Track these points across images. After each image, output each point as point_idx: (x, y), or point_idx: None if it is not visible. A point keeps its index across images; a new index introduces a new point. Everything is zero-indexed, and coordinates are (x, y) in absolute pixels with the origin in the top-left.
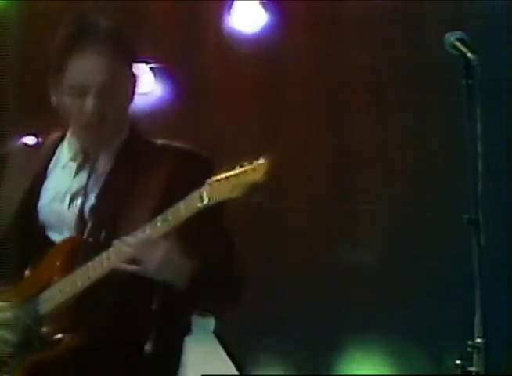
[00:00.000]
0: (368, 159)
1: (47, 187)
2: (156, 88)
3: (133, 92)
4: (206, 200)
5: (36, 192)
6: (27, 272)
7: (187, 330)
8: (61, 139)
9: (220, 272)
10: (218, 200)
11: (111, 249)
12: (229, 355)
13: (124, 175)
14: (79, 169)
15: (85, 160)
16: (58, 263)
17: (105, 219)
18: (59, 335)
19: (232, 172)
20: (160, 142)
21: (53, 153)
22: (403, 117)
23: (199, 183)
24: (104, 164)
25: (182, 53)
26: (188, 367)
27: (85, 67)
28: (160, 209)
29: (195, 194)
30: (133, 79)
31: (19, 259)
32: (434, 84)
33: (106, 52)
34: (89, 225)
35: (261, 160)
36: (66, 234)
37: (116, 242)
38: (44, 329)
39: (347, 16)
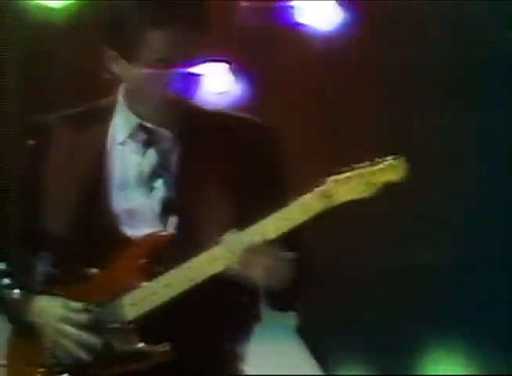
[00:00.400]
0: (439, 158)
1: (111, 169)
2: (233, 88)
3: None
4: (333, 201)
5: (100, 174)
6: (94, 271)
7: (258, 318)
8: (108, 113)
9: (306, 272)
10: (345, 200)
11: (221, 248)
12: (311, 353)
13: (192, 155)
14: (144, 148)
15: (149, 138)
16: (140, 262)
17: (189, 210)
18: (160, 347)
19: (366, 169)
20: (217, 111)
21: (104, 129)
22: (476, 117)
23: (265, 156)
24: (168, 141)
25: (258, 53)
26: (267, 364)
27: (172, 41)
28: (235, 193)
29: (316, 193)
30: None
31: (84, 255)
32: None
33: (188, 25)
34: (172, 216)
35: (396, 159)
36: (143, 226)
37: (229, 240)
38: (132, 337)
39: (424, 15)
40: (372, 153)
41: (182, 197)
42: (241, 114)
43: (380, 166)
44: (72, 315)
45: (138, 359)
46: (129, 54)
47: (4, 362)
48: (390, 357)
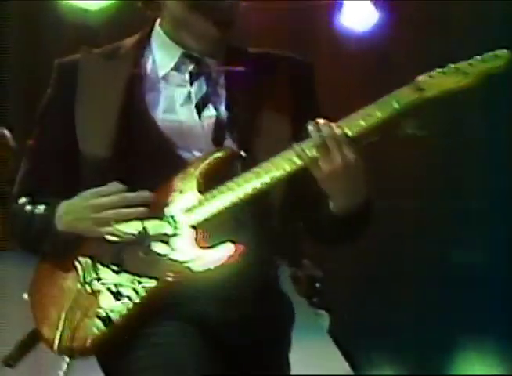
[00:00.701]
0: (479, 156)
1: (153, 99)
2: None
3: None
4: (426, 94)
5: (143, 104)
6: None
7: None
8: (142, 45)
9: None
10: (440, 92)
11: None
12: (343, 354)
13: (243, 87)
14: (193, 77)
15: (198, 67)
16: (199, 175)
17: (244, 132)
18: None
19: (463, 63)
20: (259, 50)
21: (139, 61)
22: None
23: (309, 91)
24: (217, 74)
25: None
26: (299, 365)
27: None
28: (290, 122)
29: (408, 86)
30: None
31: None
32: None
33: None
34: (230, 137)
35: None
36: (195, 148)
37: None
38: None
39: (460, 14)
40: None
41: (236, 120)
42: (280, 51)
43: (478, 57)
44: (105, 199)
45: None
46: None
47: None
48: (422, 357)
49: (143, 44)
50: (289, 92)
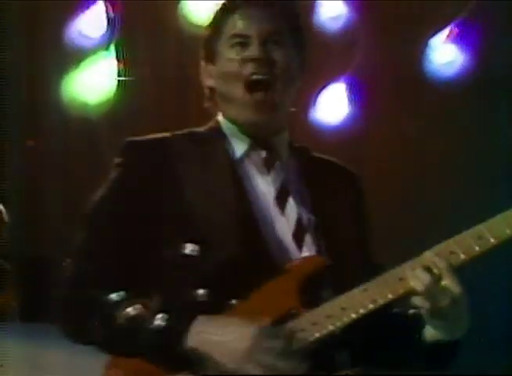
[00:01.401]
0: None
1: (243, 192)
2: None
3: (301, 68)
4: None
5: (239, 195)
6: (235, 302)
7: None
8: (216, 133)
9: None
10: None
11: (406, 270)
12: None
13: (310, 186)
14: (268, 166)
15: (270, 155)
16: (296, 287)
17: (327, 236)
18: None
19: None
20: (322, 156)
21: (222, 148)
22: None
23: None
24: (289, 166)
25: None
26: None
27: (249, 18)
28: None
29: None
30: (299, 50)
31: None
32: None
33: (269, 7)
34: (311, 239)
35: None
36: (282, 248)
37: (427, 257)
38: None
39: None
40: None
41: (319, 219)
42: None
43: None
44: (265, 342)
45: None
46: (211, 53)
47: None
48: None
49: (217, 131)
50: (352, 201)
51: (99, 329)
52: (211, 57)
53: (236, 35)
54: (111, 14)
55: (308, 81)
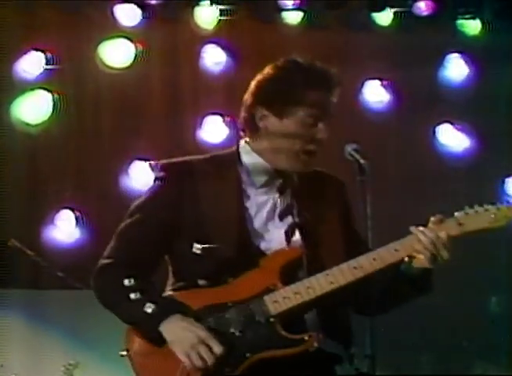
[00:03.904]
0: None
1: (250, 207)
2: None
3: None
4: (463, 228)
5: (243, 211)
6: (230, 279)
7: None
8: (234, 158)
9: None
10: (476, 229)
11: (403, 241)
12: None
13: (309, 200)
14: (281, 190)
15: (285, 183)
16: (277, 270)
17: (313, 237)
18: (304, 336)
19: (489, 207)
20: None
21: (238, 173)
22: None
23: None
24: (293, 185)
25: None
26: None
27: (322, 100)
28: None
29: (451, 220)
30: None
31: (228, 267)
32: None
33: (333, 89)
34: (298, 239)
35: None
36: (272, 245)
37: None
38: (278, 328)
39: None
40: None
41: (305, 223)
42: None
43: (502, 206)
44: (203, 346)
45: (284, 346)
46: (281, 111)
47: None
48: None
49: (235, 157)
50: (339, 205)
51: (111, 296)
52: (280, 112)
53: (316, 108)
54: (48, 56)
55: None
